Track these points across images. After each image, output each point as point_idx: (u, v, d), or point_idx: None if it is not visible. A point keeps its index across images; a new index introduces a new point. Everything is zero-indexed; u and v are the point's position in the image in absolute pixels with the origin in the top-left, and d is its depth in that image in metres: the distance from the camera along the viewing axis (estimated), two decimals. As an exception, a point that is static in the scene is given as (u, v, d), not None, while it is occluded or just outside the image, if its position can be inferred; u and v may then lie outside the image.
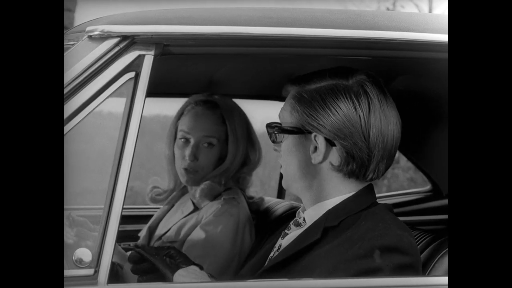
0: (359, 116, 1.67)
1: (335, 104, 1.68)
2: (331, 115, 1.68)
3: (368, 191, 1.74)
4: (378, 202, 1.75)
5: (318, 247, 1.67)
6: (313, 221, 1.74)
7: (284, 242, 1.78)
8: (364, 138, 1.67)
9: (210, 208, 2.31)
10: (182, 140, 2.36)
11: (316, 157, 1.71)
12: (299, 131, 1.72)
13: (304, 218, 1.77)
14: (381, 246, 1.59)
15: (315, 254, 1.66)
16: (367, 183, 1.74)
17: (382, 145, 1.69)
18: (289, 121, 1.75)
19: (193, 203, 2.41)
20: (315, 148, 1.71)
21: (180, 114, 2.43)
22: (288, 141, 1.75)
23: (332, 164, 1.71)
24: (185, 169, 2.35)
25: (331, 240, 1.66)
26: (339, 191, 1.73)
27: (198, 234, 2.26)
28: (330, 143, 1.69)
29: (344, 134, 1.67)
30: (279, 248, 1.79)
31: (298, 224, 1.78)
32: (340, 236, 1.65)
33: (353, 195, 1.72)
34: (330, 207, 1.72)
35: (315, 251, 1.66)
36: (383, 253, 1.58)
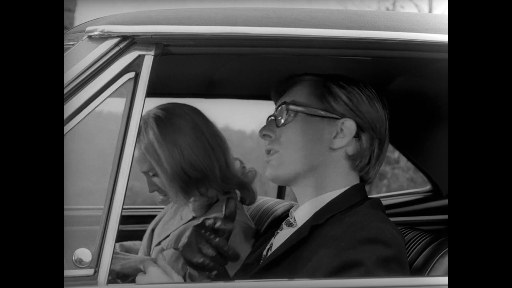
0: (385, 117, 1.78)
1: (373, 97, 1.77)
2: (370, 105, 1.76)
3: (356, 191, 1.76)
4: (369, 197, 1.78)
5: (306, 245, 1.68)
6: (303, 222, 1.74)
7: (275, 241, 1.80)
8: (381, 138, 1.77)
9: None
10: None
11: (339, 142, 1.74)
12: (328, 114, 1.74)
13: (294, 218, 1.78)
14: (362, 238, 1.59)
15: (303, 252, 1.67)
16: (358, 182, 1.77)
17: (386, 150, 1.80)
18: (310, 103, 1.74)
19: None
20: (337, 133, 1.74)
21: None
22: (300, 123, 1.74)
23: (346, 153, 1.74)
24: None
25: (317, 238, 1.67)
26: (336, 185, 1.74)
27: None
28: (359, 131, 1.74)
29: (374, 126, 1.75)
30: (270, 247, 1.80)
31: (289, 224, 1.79)
32: (326, 235, 1.66)
33: (341, 194, 1.74)
34: (318, 208, 1.73)
35: (304, 249, 1.67)
36: (365, 245, 1.58)
